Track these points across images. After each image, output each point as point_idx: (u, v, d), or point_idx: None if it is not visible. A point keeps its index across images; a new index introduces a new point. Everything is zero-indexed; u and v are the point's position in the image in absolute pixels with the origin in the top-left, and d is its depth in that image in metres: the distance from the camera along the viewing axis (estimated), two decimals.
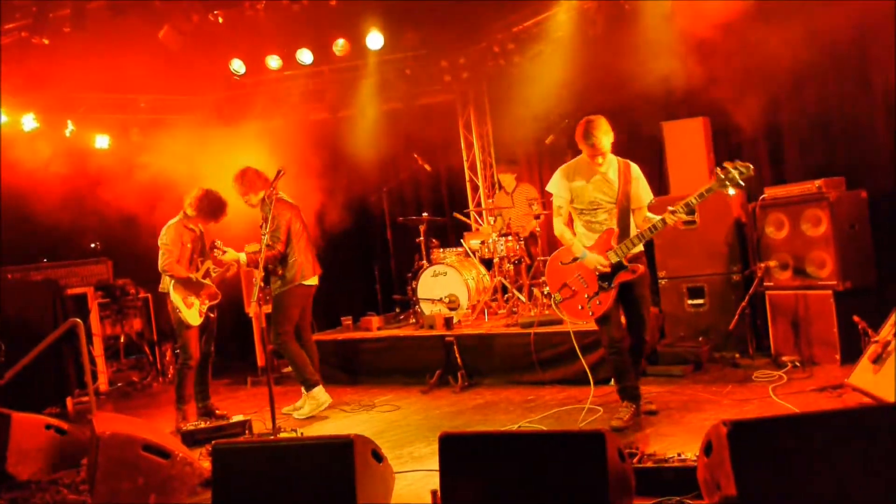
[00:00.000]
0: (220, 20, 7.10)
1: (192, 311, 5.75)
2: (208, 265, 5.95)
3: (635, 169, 4.71)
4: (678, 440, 4.16)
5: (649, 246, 6.75)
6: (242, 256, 5.76)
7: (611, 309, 4.60)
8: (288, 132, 8.56)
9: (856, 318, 4.83)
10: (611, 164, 4.66)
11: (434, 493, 3.25)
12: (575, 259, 4.68)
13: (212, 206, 5.81)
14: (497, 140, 9.34)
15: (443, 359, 6.39)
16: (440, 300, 7.25)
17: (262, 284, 5.13)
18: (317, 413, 5.79)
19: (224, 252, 5.69)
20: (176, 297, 5.71)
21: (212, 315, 5.95)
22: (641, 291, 4.73)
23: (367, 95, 8.72)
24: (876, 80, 6.04)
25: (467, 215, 8.75)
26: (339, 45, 8.12)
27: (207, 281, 5.87)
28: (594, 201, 4.69)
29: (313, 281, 5.92)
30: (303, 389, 5.89)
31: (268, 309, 6.34)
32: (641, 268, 4.65)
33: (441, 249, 7.79)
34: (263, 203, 5.75)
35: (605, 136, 4.53)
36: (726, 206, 6.18)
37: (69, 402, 6.88)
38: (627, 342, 4.75)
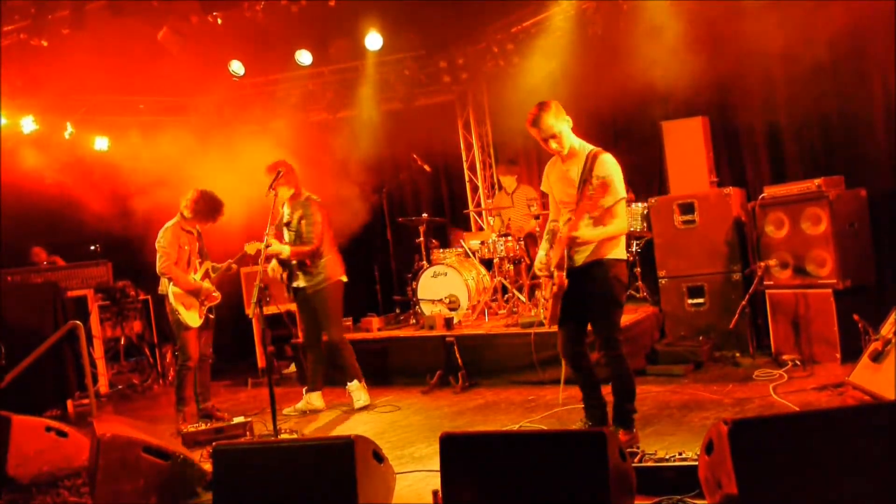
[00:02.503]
0: (219, 21, 7.10)
1: (191, 313, 5.75)
2: (207, 266, 5.95)
3: (603, 166, 4.01)
4: (679, 439, 4.16)
5: (649, 245, 6.77)
6: (286, 249, 5.70)
7: None
8: (287, 133, 8.57)
9: (856, 317, 4.84)
10: (578, 160, 4.11)
11: (435, 493, 3.24)
12: None
13: (208, 207, 5.82)
14: (496, 140, 9.36)
15: (443, 359, 6.38)
16: (440, 301, 7.25)
17: (263, 285, 5.10)
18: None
19: (269, 245, 5.56)
20: (175, 299, 5.71)
21: (211, 316, 5.95)
22: None
23: (366, 96, 8.74)
24: (875, 78, 6.05)
25: (466, 217, 8.75)
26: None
27: (206, 282, 5.88)
28: (561, 201, 4.24)
29: (344, 278, 6.01)
30: (354, 383, 5.92)
31: (280, 308, 6.30)
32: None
33: (441, 250, 7.79)
34: (294, 200, 5.82)
35: (551, 118, 4.02)
36: (726, 205, 6.18)
37: (69, 404, 6.87)
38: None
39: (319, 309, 5.88)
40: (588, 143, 4.22)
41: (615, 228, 4.07)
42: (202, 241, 5.99)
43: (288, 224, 5.85)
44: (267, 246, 5.48)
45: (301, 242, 5.76)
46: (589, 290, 4.10)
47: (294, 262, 5.80)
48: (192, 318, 5.76)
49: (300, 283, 5.88)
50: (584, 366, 4.31)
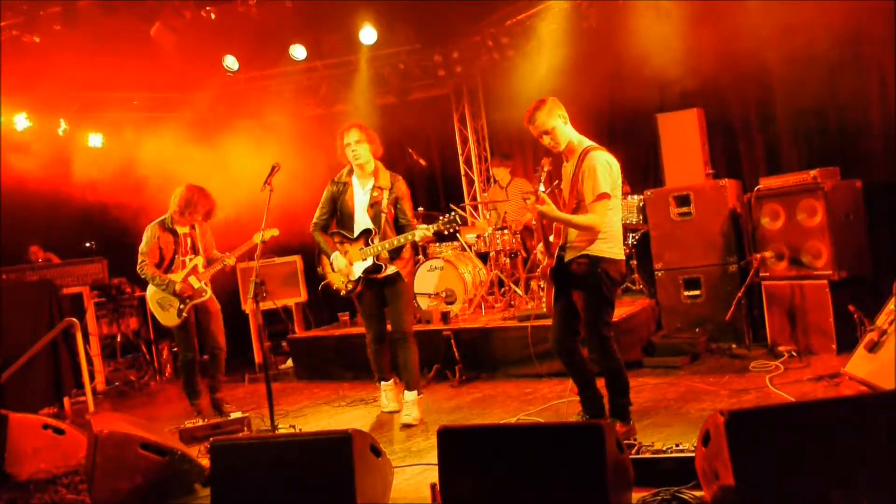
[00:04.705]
0: (213, 16, 7.07)
1: (167, 313, 5.71)
2: (197, 262, 5.83)
3: (589, 161, 3.99)
4: (676, 431, 4.17)
5: (645, 238, 6.77)
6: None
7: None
8: (282, 128, 8.54)
9: (851, 308, 4.85)
10: (574, 156, 4.11)
11: (433, 486, 3.25)
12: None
13: (194, 204, 5.68)
14: (492, 134, 9.35)
15: (440, 353, 6.39)
16: (437, 295, 7.25)
17: (260, 280, 4.97)
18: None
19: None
20: (150, 298, 5.70)
21: (210, 311, 5.90)
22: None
23: (360, 91, 8.71)
24: (871, 69, 6.04)
25: (464, 209, 8.75)
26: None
27: (193, 279, 5.77)
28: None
29: None
30: (415, 393, 5.28)
31: (277, 303, 6.16)
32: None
33: (437, 244, 7.78)
34: (377, 174, 5.21)
35: (543, 115, 4.03)
36: (722, 197, 6.18)
37: (66, 401, 6.86)
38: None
39: (406, 299, 5.27)
40: (587, 138, 4.19)
41: (586, 220, 3.97)
42: (194, 238, 5.88)
43: (374, 205, 5.11)
44: (263, 240, 5.28)
45: (401, 226, 5.13)
46: (576, 285, 4.11)
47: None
48: (169, 318, 5.71)
49: (389, 270, 5.11)
50: (576, 361, 4.28)
